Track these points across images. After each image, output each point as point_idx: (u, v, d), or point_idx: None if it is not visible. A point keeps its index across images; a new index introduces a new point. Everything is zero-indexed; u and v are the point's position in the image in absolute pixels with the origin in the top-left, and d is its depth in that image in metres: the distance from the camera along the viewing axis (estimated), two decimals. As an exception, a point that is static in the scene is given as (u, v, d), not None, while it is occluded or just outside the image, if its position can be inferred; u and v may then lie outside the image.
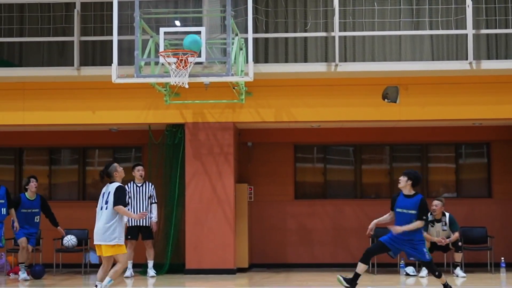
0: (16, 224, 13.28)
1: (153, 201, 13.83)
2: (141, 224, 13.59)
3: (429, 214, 13.94)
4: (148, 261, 13.77)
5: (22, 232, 13.38)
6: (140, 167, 13.92)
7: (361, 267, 10.59)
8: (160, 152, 14.55)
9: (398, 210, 10.62)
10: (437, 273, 10.64)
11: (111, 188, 9.87)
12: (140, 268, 14.01)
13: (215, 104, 13.92)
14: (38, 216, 13.70)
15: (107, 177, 9.94)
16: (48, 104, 14.08)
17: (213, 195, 14.00)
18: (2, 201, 13.13)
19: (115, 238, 9.73)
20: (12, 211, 13.32)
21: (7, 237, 13.73)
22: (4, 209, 13.14)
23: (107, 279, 9.76)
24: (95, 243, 9.93)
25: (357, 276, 10.61)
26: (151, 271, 13.70)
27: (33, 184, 13.64)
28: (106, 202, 9.75)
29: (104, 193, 9.90)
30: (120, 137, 15.70)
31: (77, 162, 16.23)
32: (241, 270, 14.47)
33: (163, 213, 14.30)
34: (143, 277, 13.61)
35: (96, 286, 10.01)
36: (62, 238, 13.92)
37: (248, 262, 14.82)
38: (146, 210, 13.65)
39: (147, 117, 14.10)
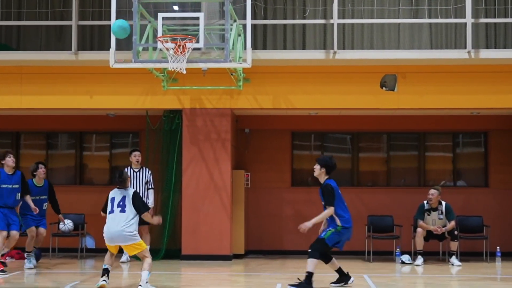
0: (33, 206, 12.62)
1: (150, 187, 13.82)
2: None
3: (425, 202, 13.99)
4: (145, 246, 13.77)
5: (31, 220, 13.04)
6: (137, 153, 13.90)
7: (332, 264, 10.56)
8: (157, 137, 14.54)
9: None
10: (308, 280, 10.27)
11: (126, 193, 9.95)
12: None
13: (213, 90, 13.90)
14: (46, 203, 13.35)
15: (121, 185, 10.02)
16: (45, 89, 14.06)
17: (210, 181, 14.01)
18: (17, 186, 12.41)
19: (137, 237, 9.92)
20: (28, 197, 12.68)
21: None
22: (18, 194, 12.45)
23: (146, 272, 9.86)
24: (111, 244, 9.98)
25: (340, 271, 10.57)
26: (147, 257, 13.71)
27: (41, 170, 13.30)
28: (119, 206, 9.86)
29: (114, 197, 9.95)
30: (117, 122, 15.69)
31: (74, 147, 16.22)
32: (237, 256, 14.50)
33: (160, 198, 14.31)
34: (139, 262, 13.49)
35: (104, 268, 10.09)
36: (58, 223, 13.87)
37: (244, 249, 14.85)
38: (142, 196, 13.64)
39: (144, 102, 14.09)
